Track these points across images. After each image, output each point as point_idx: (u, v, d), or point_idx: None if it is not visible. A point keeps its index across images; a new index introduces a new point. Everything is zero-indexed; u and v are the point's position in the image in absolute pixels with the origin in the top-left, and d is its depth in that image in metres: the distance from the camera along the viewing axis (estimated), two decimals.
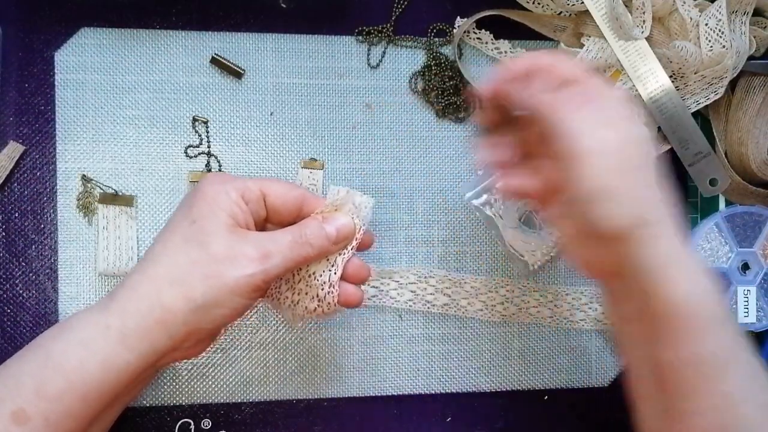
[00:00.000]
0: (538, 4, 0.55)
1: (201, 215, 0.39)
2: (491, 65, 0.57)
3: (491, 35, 0.56)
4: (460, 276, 0.56)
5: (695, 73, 0.54)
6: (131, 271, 0.40)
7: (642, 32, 0.53)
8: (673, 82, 0.54)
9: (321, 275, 0.42)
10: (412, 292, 0.55)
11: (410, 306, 0.55)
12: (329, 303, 0.42)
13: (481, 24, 0.55)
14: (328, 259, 0.42)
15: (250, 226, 0.40)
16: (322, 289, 0.42)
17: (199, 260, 0.38)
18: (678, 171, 0.59)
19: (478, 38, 0.56)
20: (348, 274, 0.43)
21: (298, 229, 0.40)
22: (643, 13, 0.53)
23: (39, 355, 0.39)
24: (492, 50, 0.56)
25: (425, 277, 0.55)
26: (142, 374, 0.39)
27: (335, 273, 0.42)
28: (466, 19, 0.55)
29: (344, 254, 0.42)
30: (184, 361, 0.52)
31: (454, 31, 0.55)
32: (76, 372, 0.37)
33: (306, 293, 0.42)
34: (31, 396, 0.37)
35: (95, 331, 0.38)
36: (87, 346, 0.38)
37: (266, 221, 0.42)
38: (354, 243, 0.43)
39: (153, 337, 0.38)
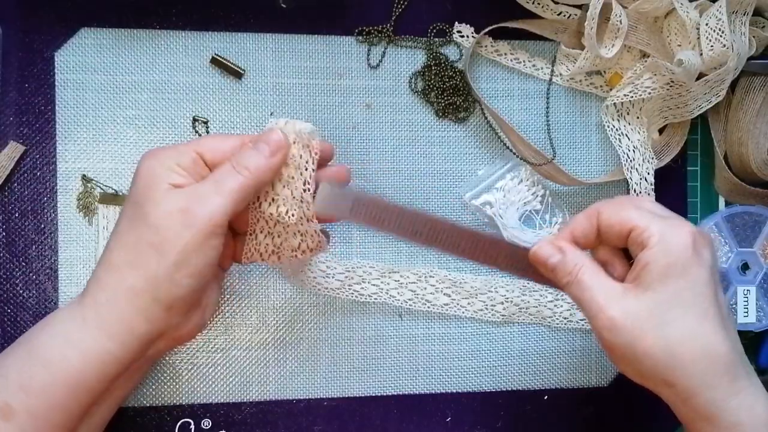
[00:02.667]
0: (538, 4, 0.55)
1: (139, 193, 0.39)
2: (500, 75, 0.57)
3: (509, 45, 0.56)
4: (460, 276, 0.56)
5: (697, 80, 0.54)
6: (97, 265, 0.40)
7: (608, 52, 0.53)
8: (673, 87, 0.54)
9: (290, 207, 0.41)
10: (412, 291, 0.55)
11: (410, 305, 0.55)
12: (311, 233, 0.41)
13: (480, 28, 0.55)
14: (290, 192, 0.41)
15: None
16: (295, 215, 0.41)
17: (143, 234, 0.38)
18: (678, 171, 0.59)
19: (495, 50, 0.56)
20: (328, 177, 0.43)
21: (230, 161, 0.40)
22: (617, 30, 0.53)
23: (22, 350, 0.39)
24: (510, 61, 0.56)
25: (425, 276, 0.55)
26: (130, 365, 0.39)
27: (305, 189, 0.41)
28: (465, 24, 0.55)
29: (307, 169, 0.41)
30: (186, 358, 0.52)
31: (455, 34, 0.55)
32: (59, 365, 0.38)
33: (285, 233, 0.42)
34: (16, 390, 0.37)
35: (73, 323, 0.39)
36: (67, 338, 0.38)
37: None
38: (310, 156, 0.41)
39: (130, 323, 0.38)
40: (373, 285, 0.54)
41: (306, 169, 0.41)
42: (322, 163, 0.44)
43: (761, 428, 0.39)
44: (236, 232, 0.44)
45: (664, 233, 0.40)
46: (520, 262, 0.44)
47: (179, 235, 0.37)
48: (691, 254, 0.39)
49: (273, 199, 0.42)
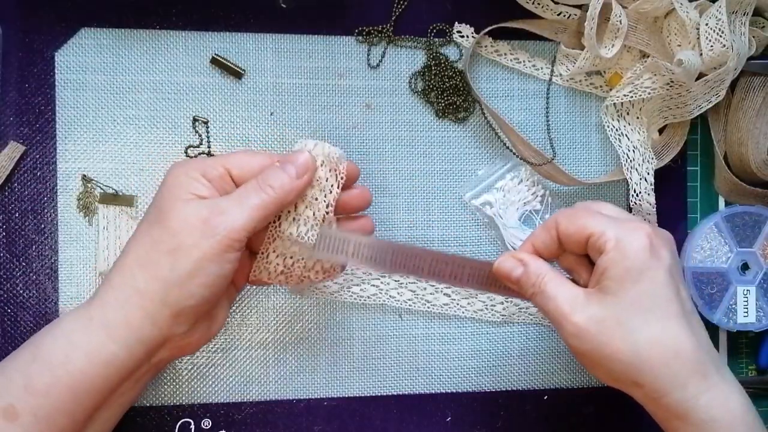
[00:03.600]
0: (538, 4, 0.55)
1: (162, 199, 0.39)
2: (500, 75, 0.57)
3: (509, 45, 0.56)
4: None
5: (697, 80, 0.54)
6: (111, 268, 0.40)
7: (608, 52, 0.54)
8: (673, 87, 0.54)
9: (310, 227, 0.41)
10: (412, 291, 0.55)
11: (410, 306, 0.55)
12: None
13: (480, 28, 0.55)
14: (312, 213, 0.41)
15: (216, 198, 0.40)
16: (314, 237, 0.41)
17: (161, 238, 0.38)
18: (678, 171, 0.59)
19: (495, 50, 0.56)
20: (349, 204, 0.43)
21: (256, 178, 0.40)
22: (617, 30, 0.53)
23: (28, 351, 0.39)
24: (510, 61, 0.56)
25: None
26: (135, 370, 0.39)
27: (327, 212, 0.41)
28: (465, 24, 0.55)
29: (331, 191, 0.42)
30: (186, 358, 0.52)
31: (455, 35, 0.56)
32: (63, 366, 0.38)
33: (300, 254, 0.42)
34: (20, 392, 0.37)
35: (79, 324, 0.38)
36: (72, 339, 0.38)
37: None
38: (336, 180, 0.42)
39: (136, 326, 0.38)
40: (373, 286, 0.54)
41: (330, 192, 0.42)
42: (348, 184, 0.44)
43: (736, 423, 0.39)
44: (253, 251, 0.44)
45: (620, 237, 0.40)
46: (486, 278, 0.44)
47: (197, 244, 0.37)
48: (648, 256, 0.40)
49: (294, 219, 0.42)
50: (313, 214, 0.41)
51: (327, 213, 0.42)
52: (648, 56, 0.55)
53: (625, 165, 0.55)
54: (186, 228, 0.38)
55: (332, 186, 0.42)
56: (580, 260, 0.44)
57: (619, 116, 0.56)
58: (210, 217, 0.38)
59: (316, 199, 0.42)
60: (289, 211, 0.42)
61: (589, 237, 0.41)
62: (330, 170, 0.42)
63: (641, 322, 0.39)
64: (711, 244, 0.58)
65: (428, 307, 0.55)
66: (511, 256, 0.44)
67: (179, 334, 0.40)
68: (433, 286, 0.55)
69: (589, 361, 0.41)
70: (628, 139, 0.56)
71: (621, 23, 0.53)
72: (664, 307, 0.40)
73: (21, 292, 0.51)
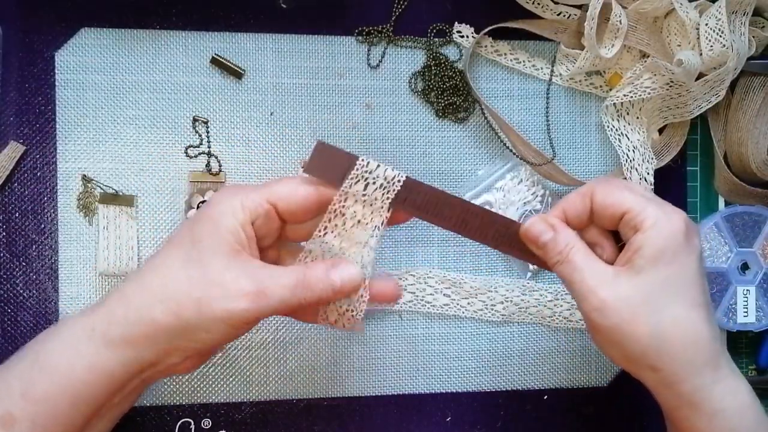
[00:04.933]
0: (538, 4, 0.55)
1: (205, 235, 0.38)
2: (500, 75, 0.57)
3: (509, 45, 0.56)
4: (460, 276, 0.56)
5: (696, 80, 0.54)
6: (127, 279, 0.39)
7: (608, 52, 0.54)
8: (673, 87, 0.54)
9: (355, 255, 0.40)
10: (411, 293, 0.55)
11: (410, 308, 0.55)
12: (358, 311, 0.40)
13: (480, 28, 0.55)
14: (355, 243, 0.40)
15: (254, 250, 0.39)
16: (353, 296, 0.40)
17: (195, 281, 0.37)
18: (678, 171, 0.59)
19: (495, 50, 0.56)
20: (378, 297, 0.41)
21: (301, 272, 0.39)
22: (617, 30, 0.53)
23: (27, 357, 0.38)
24: (510, 61, 0.56)
25: (424, 277, 0.55)
26: (127, 384, 0.39)
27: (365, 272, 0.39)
28: (465, 24, 0.55)
29: (371, 245, 0.40)
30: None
31: (455, 35, 0.56)
32: (62, 374, 0.37)
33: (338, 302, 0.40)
34: (18, 398, 0.37)
35: (82, 333, 0.38)
36: (73, 347, 0.38)
37: (284, 222, 0.41)
38: (379, 218, 0.39)
39: (138, 348, 0.37)
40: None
41: (380, 215, 0.40)
42: (382, 299, 0.42)
43: (746, 414, 0.40)
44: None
45: (659, 218, 0.39)
46: (510, 238, 0.42)
47: (229, 309, 0.37)
48: (683, 241, 0.39)
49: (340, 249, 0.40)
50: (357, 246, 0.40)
51: (373, 236, 0.40)
52: (648, 56, 0.55)
53: (625, 165, 0.55)
54: (222, 287, 0.37)
55: (376, 227, 0.40)
56: (606, 235, 0.43)
57: (619, 116, 0.56)
58: (248, 291, 0.37)
59: (367, 223, 0.40)
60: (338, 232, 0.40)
61: (625, 213, 0.40)
62: (384, 192, 0.39)
63: (667, 304, 0.39)
64: (711, 244, 0.58)
65: (428, 309, 0.55)
66: (541, 219, 0.42)
67: (170, 362, 0.39)
68: (432, 287, 0.55)
69: (606, 340, 0.40)
70: (628, 139, 0.56)
71: (621, 23, 0.53)
72: (691, 293, 0.39)
73: (21, 292, 0.51)
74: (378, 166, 0.39)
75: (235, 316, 0.37)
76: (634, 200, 0.40)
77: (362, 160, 0.39)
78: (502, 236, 0.42)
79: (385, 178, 0.39)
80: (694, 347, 0.39)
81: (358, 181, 0.39)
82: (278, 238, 0.42)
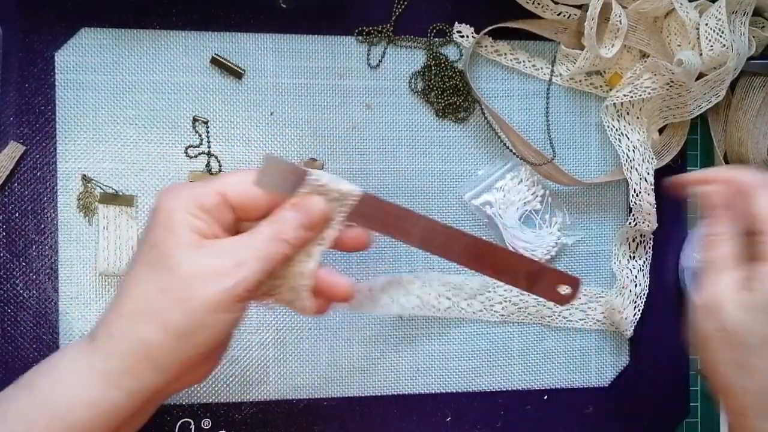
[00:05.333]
0: (538, 4, 0.55)
1: (160, 238, 0.36)
2: (500, 75, 0.57)
3: (509, 45, 0.56)
4: (460, 278, 0.56)
5: (696, 80, 0.54)
6: (108, 308, 0.38)
7: (608, 52, 0.54)
8: (673, 87, 0.54)
9: (297, 264, 0.39)
10: (418, 297, 0.55)
11: (417, 312, 0.55)
12: (303, 298, 0.39)
13: (480, 28, 0.55)
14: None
15: (218, 234, 0.37)
16: (297, 281, 0.39)
17: (169, 285, 0.35)
18: (678, 171, 0.59)
19: (495, 50, 0.56)
20: (346, 243, 0.39)
21: (270, 226, 0.37)
22: (617, 30, 0.53)
23: (26, 394, 0.37)
24: (510, 61, 0.56)
25: (428, 281, 0.55)
26: (138, 411, 0.37)
27: (311, 264, 0.38)
28: (465, 24, 0.55)
29: (322, 243, 0.39)
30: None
31: (455, 34, 0.56)
32: (63, 413, 0.36)
33: (283, 282, 0.39)
34: None
35: (81, 370, 0.36)
36: (73, 386, 0.36)
37: (239, 220, 0.38)
38: (333, 231, 0.39)
39: (141, 375, 0.36)
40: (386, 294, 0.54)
41: (333, 229, 0.39)
42: (353, 247, 0.41)
43: None
44: None
45: None
46: (477, 256, 0.41)
47: (211, 294, 0.35)
48: None
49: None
50: (302, 266, 0.39)
51: (310, 264, 0.39)
52: (648, 56, 0.55)
53: (625, 165, 0.55)
54: (199, 277, 0.35)
55: (335, 221, 0.39)
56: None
57: (619, 116, 0.56)
58: (226, 269, 0.36)
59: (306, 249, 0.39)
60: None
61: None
62: (339, 205, 0.39)
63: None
64: None
65: (434, 312, 0.55)
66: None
67: (185, 375, 0.38)
68: (435, 290, 0.55)
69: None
70: (628, 138, 0.56)
71: (621, 23, 0.53)
72: None
73: (21, 292, 0.51)
74: (331, 179, 0.38)
75: (222, 298, 0.35)
76: None
77: (312, 174, 0.38)
78: (471, 255, 0.41)
79: (339, 192, 0.38)
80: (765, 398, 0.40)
81: (311, 194, 0.38)
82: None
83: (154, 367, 0.36)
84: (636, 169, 0.55)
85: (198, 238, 0.36)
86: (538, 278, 0.40)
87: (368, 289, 0.48)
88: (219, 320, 0.36)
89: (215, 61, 0.53)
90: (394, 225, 0.40)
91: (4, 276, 0.51)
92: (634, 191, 0.55)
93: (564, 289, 0.40)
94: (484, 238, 0.41)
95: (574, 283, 0.40)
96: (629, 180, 0.55)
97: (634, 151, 0.55)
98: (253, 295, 0.37)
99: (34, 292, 0.51)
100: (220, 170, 0.53)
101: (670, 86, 0.54)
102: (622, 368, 0.59)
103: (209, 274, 0.35)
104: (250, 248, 0.37)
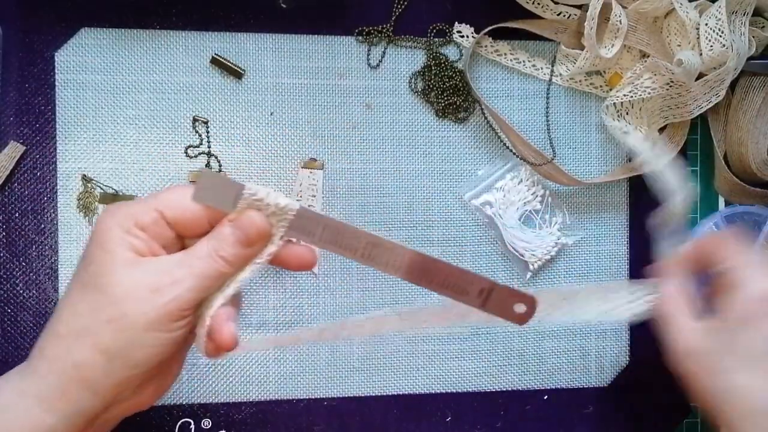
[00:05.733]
0: (538, 4, 0.55)
1: (94, 257, 0.35)
2: (500, 75, 0.57)
3: (509, 45, 0.56)
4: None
5: (696, 80, 0.54)
6: (42, 333, 0.36)
7: (608, 52, 0.54)
8: (673, 87, 0.54)
9: (211, 298, 0.37)
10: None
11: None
12: (201, 335, 0.37)
13: (480, 28, 0.55)
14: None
15: (157, 252, 0.36)
16: (205, 317, 0.37)
17: (101, 305, 0.34)
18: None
19: (495, 50, 0.56)
20: (291, 260, 0.38)
21: (208, 243, 0.36)
22: (617, 30, 0.53)
23: None
24: (510, 61, 0.56)
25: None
26: None
27: (219, 300, 0.37)
28: (465, 24, 0.55)
29: (258, 262, 0.37)
30: (186, 358, 0.52)
31: (455, 34, 0.56)
32: None
33: (203, 313, 0.37)
34: None
35: (15, 396, 0.35)
36: (9, 411, 0.35)
37: (182, 237, 0.37)
38: (273, 246, 0.37)
39: (74, 398, 0.35)
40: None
41: (273, 243, 0.38)
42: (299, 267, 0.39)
43: None
44: None
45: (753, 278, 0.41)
46: (422, 272, 0.40)
47: (144, 313, 0.34)
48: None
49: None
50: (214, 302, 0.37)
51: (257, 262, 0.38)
52: (648, 56, 0.55)
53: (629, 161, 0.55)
54: (131, 296, 0.34)
55: (276, 238, 0.38)
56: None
57: (619, 116, 0.56)
58: (159, 286, 0.34)
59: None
60: None
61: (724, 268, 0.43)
62: (278, 220, 0.37)
63: (739, 369, 0.41)
64: None
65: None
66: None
67: (125, 398, 0.37)
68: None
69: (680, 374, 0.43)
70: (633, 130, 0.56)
71: (621, 23, 0.53)
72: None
73: (21, 292, 0.51)
74: (269, 194, 0.37)
75: (156, 317, 0.34)
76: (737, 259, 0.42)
77: (249, 188, 0.37)
78: (416, 270, 0.40)
79: (277, 206, 0.37)
80: (753, 417, 0.40)
81: (249, 208, 0.37)
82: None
83: (88, 390, 0.35)
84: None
85: (134, 256, 0.35)
86: (490, 296, 0.39)
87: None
88: (154, 339, 0.35)
89: (215, 61, 0.53)
90: (336, 240, 0.38)
91: (4, 276, 0.51)
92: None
93: (520, 308, 0.39)
94: (434, 255, 0.39)
95: (530, 302, 0.39)
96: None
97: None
98: (188, 314, 0.36)
99: (34, 292, 0.51)
100: (220, 170, 0.53)
101: (670, 86, 0.54)
102: (622, 368, 0.59)
103: (142, 292, 0.34)
104: (185, 265, 0.35)
